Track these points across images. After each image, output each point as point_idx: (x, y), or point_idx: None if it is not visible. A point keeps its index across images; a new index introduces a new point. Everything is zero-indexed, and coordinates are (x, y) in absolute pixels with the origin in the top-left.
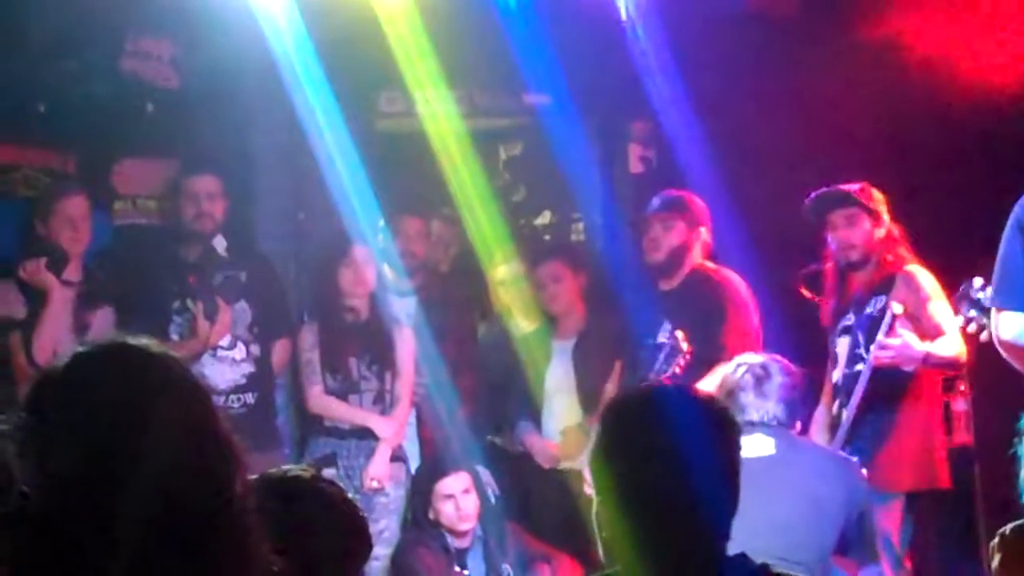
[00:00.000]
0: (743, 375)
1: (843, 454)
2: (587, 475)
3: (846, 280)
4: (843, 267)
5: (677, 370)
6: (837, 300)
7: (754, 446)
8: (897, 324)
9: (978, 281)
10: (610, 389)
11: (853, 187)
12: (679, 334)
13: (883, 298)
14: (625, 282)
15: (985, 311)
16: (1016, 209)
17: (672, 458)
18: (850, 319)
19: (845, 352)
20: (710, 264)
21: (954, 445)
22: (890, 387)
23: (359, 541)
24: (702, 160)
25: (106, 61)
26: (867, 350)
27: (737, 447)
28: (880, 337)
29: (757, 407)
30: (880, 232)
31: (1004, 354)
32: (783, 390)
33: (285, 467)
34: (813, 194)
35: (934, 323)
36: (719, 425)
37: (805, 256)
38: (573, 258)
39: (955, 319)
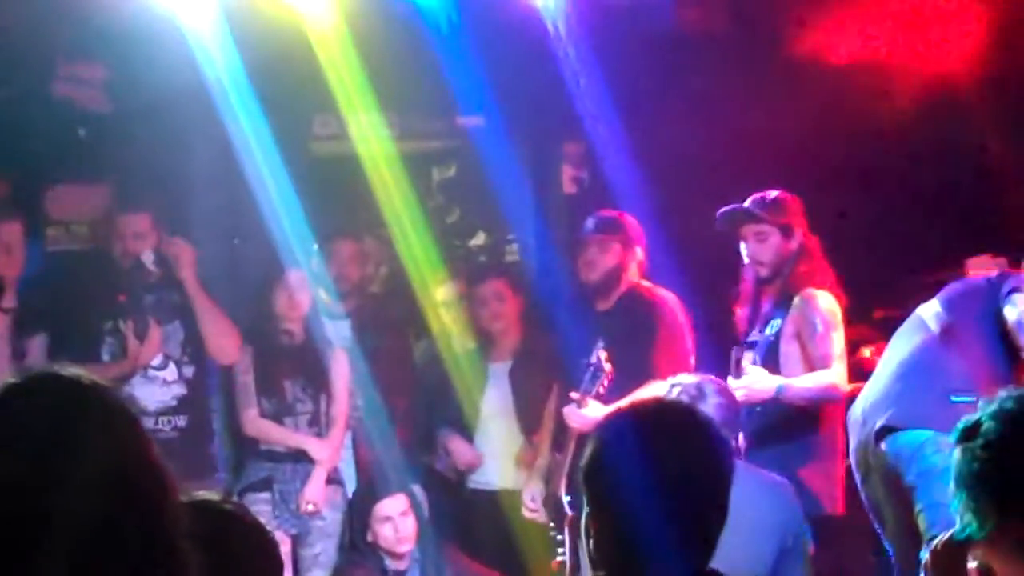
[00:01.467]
0: (677, 396)
1: (778, 478)
2: (524, 497)
3: (760, 292)
4: (754, 281)
5: (601, 390)
6: (751, 311)
7: None
8: (744, 363)
9: None
10: (550, 410)
11: (767, 199)
12: (602, 354)
13: (779, 322)
14: (560, 302)
15: None
16: None
17: (671, 476)
18: (756, 334)
19: (748, 366)
20: (646, 283)
21: None
22: (785, 416)
23: (268, 564)
24: (634, 180)
25: (38, 86)
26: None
27: (730, 464)
28: (730, 379)
29: None
30: (792, 245)
31: None
32: (718, 410)
33: (195, 493)
34: (723, 208)
35: (821, 353)
36: (715, 442)
37: (739, 274)
38: (513, 279)
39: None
